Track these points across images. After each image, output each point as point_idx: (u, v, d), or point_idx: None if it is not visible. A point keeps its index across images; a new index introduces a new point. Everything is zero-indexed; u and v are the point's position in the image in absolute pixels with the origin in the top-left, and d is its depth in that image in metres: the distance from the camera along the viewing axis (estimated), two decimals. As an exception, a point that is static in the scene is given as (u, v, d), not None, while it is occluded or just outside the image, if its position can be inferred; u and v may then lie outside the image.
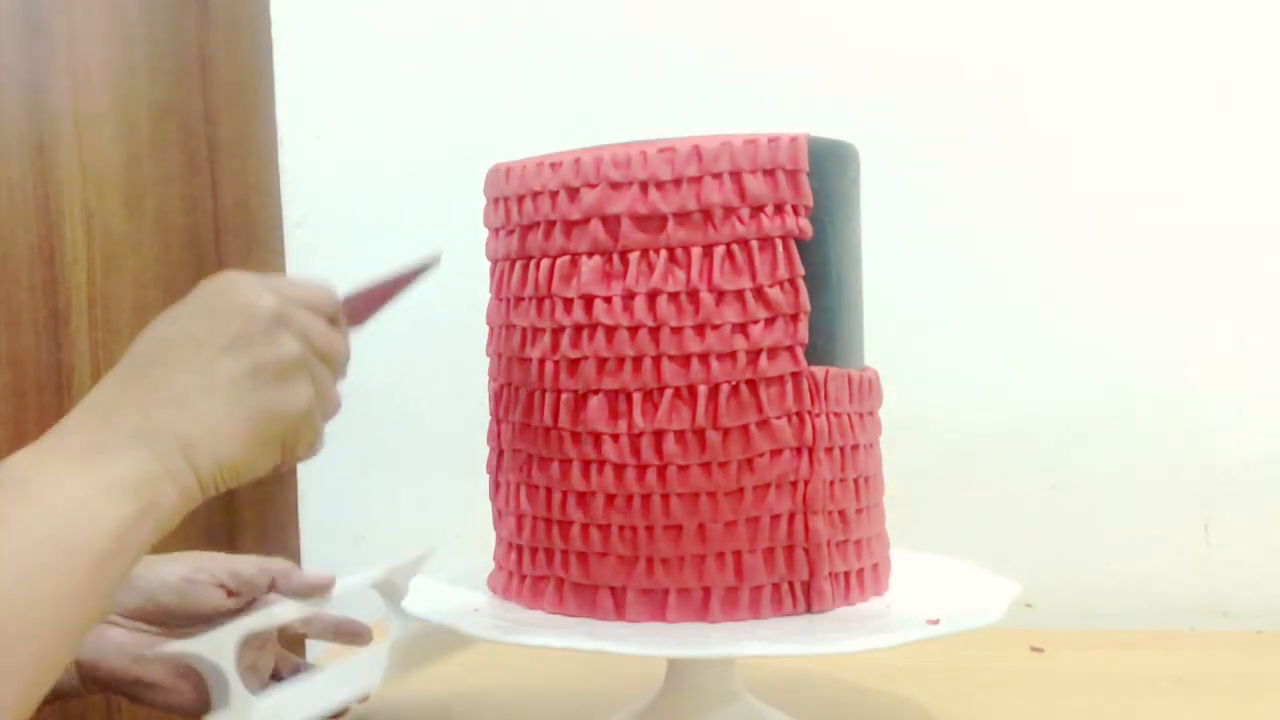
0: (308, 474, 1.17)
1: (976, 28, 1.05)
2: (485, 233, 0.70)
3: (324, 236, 1.15)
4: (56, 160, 0.94)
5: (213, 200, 1.10)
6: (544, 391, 0.64)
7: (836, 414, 0.64)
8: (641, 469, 0.61)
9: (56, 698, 0.73)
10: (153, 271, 1.03)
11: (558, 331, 0.63)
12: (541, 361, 0.64)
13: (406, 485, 1.15)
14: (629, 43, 1.11)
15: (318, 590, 0.75)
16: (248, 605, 0.76)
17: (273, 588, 0.75)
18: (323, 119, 1.16)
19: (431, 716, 0.84)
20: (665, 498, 0.61)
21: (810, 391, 0.63)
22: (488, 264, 0.70)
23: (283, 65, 1.16)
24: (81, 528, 0.53)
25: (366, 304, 0.66)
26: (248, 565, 0.75)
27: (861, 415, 0.67)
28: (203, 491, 0.58)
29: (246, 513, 1.09)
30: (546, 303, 0.64)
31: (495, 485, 0.70)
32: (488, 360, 0.70)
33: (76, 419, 0.57)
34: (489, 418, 0.70)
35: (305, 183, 1.16)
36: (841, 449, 0.65)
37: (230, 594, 0.75)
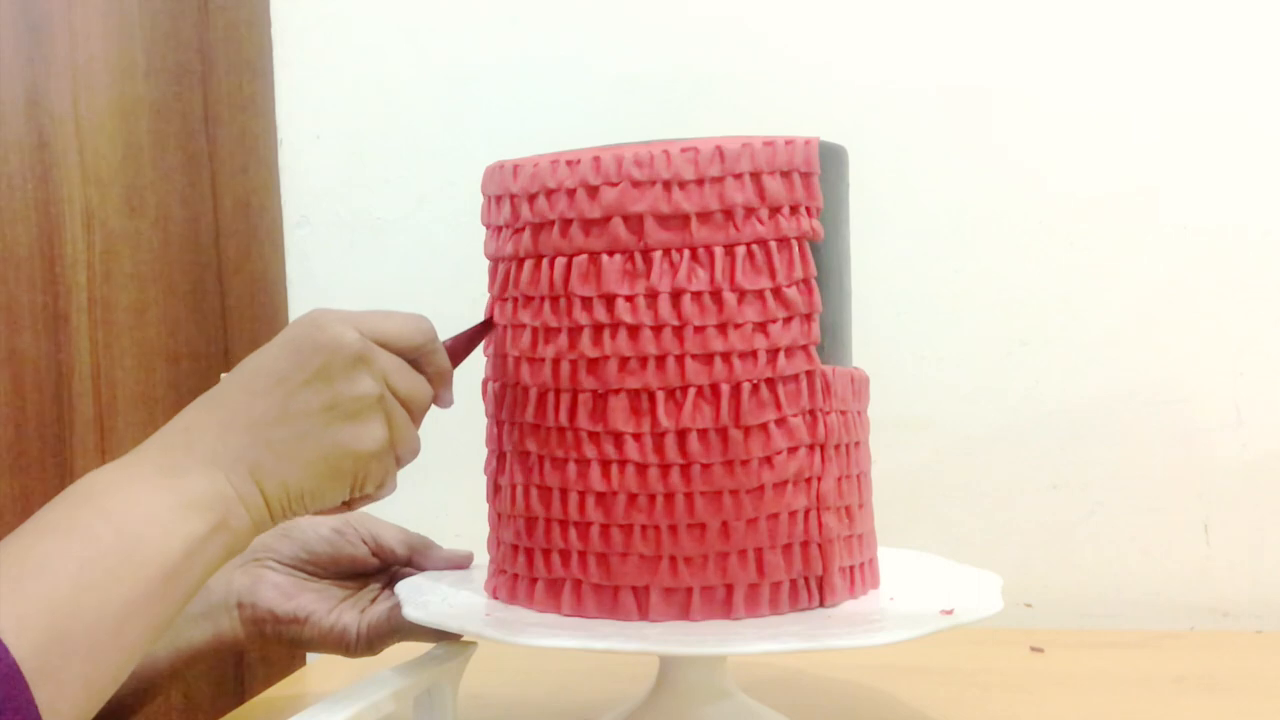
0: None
1: (973, 28, 1.06)
2: (484, 232, 0.69)
3: (324, 236, 1.15)
4: (56, 160, 0.94)
5: (213, 200, 1.09)
6: (559, 391, 0.64)
7: (843, 411, 0.65)
8: (665, 468, 0.61)
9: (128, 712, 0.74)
10: (153, 271, 1.03)
11: (575, 330, 0.63)
12: (556, 361, 0.63)
13: (405, 487, 1.14)
14: (623, 44, 1.11)
15: (455, 566, 0.76)
16: (386, 571, 0.78)
17: (410, 561, 0.77)
18: (323, 119, 1.15)
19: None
20: (689, 496, 0.61)
21: (822, 390, 0.63)
22: (486, 263, 0.69)
23: (283, 65, 1.16)
24: (151, 541, 0.54)
25: (456, 348, 0.67)
26: (390, 534, 0.77)
27: (860, 413, 0.68)
28: (273, 516, 0.60)
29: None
30: (562, 301, 0.63)
31: (495, 488, 0.69)
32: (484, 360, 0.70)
33: (156, 441, 0.59)
34: (486, 419, 0.70)
35: (305, 183, 1.15)
36: (846, 446, 0.66)
37: (373, 554, 0.77)
